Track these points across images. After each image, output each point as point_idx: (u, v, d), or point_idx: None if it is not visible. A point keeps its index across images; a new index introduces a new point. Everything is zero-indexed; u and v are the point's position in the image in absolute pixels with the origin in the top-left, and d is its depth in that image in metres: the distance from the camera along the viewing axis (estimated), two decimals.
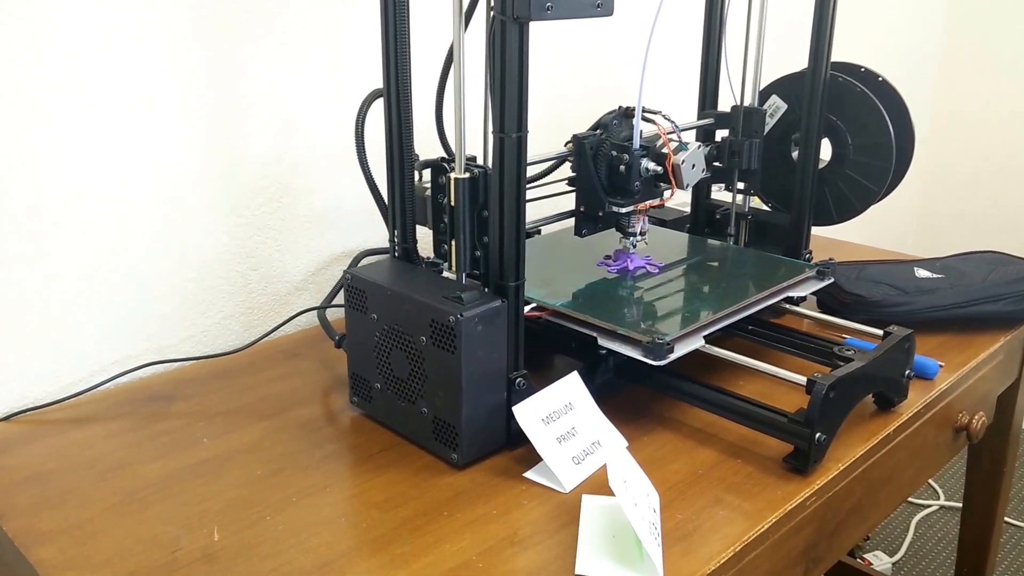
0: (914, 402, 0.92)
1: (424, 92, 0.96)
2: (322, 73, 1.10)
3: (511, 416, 0.80)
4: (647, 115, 0.95)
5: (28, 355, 0.93)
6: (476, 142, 0.86)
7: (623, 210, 0.97)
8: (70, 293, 0.95)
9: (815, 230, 1.16)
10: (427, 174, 0.87)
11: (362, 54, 1.13)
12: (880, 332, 0.92)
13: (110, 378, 0.97)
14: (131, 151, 0.96)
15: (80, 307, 0.96)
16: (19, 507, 0.75)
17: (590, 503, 0.75)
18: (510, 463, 0.81)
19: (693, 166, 0.97)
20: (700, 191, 1.21)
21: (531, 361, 0.83)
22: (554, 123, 1.36)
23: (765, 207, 1.22)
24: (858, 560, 1.73)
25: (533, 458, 0.80)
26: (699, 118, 1.17)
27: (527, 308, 0.86)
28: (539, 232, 1.13)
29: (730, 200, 1.17)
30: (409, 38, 0.83)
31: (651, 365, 0.83)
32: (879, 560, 1.76)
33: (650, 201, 0.98)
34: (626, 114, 0.97)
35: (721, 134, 1.15)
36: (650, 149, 0.95)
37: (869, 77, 1.12)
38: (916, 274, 1.15)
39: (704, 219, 1.22)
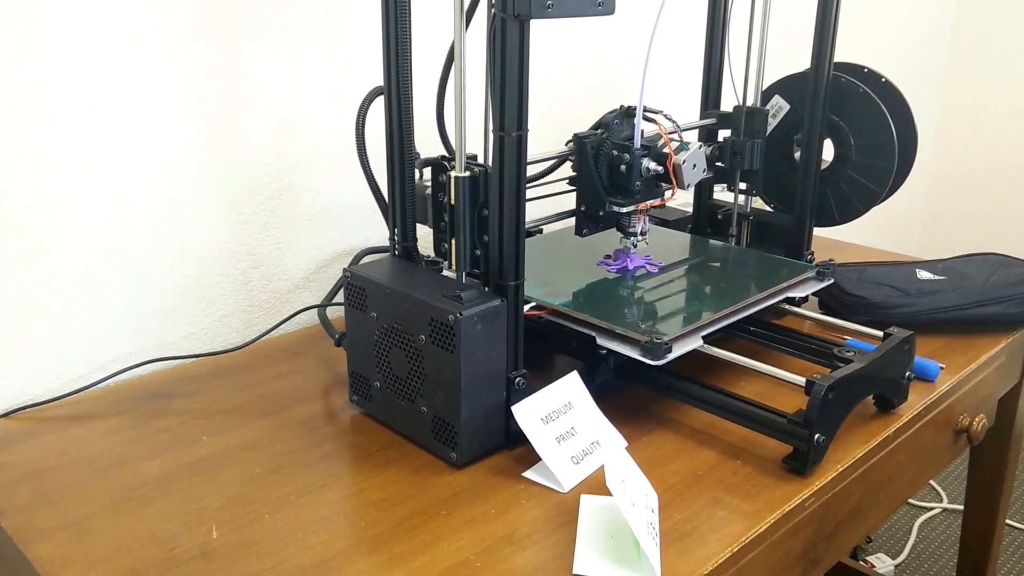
0: (914, 404, 0.92)
1: (425, 90, 0.96)
2: (322, 71, 1.10)
3: (510, 415, 0.80)
4: (648, 114, 0.95)
5: (28, 352, 0.93)
6: (477, 140, 0.86)
7: (624, 210, 0.97)
8: (70, 290, 0.95)
9: (817, 231, 1.16)
10: (427, 172, 0.87)
11: (362, 52, 1.13)
12: (881, 333, 0.92)
13: (110, 375, 0.97)
14: (131, 150, 0.96)
15: (80, 304, 0.96)
16: (18, 504, 0.75)
17: (589, 503, 0.75)
18: (509, 462, 0.81)
19: (694, 166, 0.97)
20: (702, 191, 1.21)
21: (531, 361, 0.83)
22: (555, 122, 1.36)
23: (767, 208, 1.21)
24: (860, 562, 1.73)
25: (532, 458, 0.79)
26: (701, 118, 1.17)
27: (527, 307, 0.86)
28: (541, 231, 1.13)
29: (732, 200, 1.17)
30: (410, 36, 0.83)
31: (651, 365, 0.83)
32: (882, 562, 1.76)
33: (651, 201, 0.98)
34: (627, 113, 0.97)
35: (723, 134, 1.14)
36: (651, 149, 0.95)
37: (872, 78, 1.12)
38: (918, 276, 1.15)
39: (706, 219, 1.22)
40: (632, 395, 0.93)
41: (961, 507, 1.55)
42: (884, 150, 1.09)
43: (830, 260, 1.05)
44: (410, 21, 0.83)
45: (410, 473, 0.80)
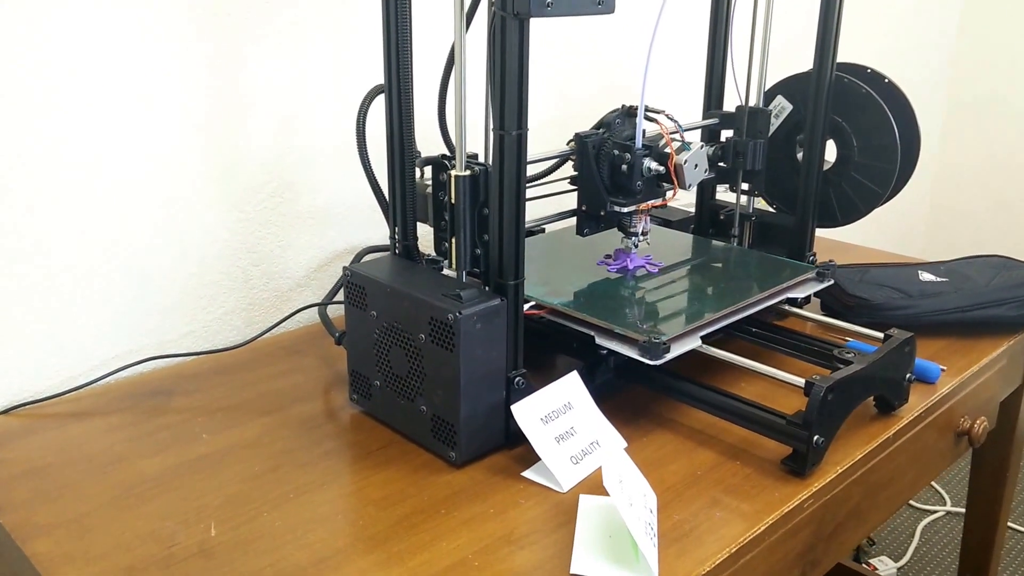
0: (915, 406, 0.92)
1: (425, 89, 0.96)
2: (323, 70, 1.10)
3: (510, 415, 0.80)
4: (650, 114, 0.95)
5: (28, 349, 0.93)
6: (478, 139, 0.86)
7: (625, 210, 0.96)
8: (71, 288, 0.95)
9: (820, 232, 1.16)
10: (428, 171, 0.86)
11: (363, 50, 1.13)
12: (881, 335, 0.91)
13: (110, 372, 0.97)
14: (132, 149, 0.96)
15: (81, 302, 0.96)
16: (17, 500, 0.75)
17: (587, 503, 0.75)
18: (508, 462, 0.81)
19: (696, 166, 0.96)
20: (704, 192, 1.21)
21: (531, 360, 0.83)
22: (557, 122, 1.36)
23: (769, 208, 1.21)
24: (863, 565, 1.73)
25: (531, 457, 0.79)
26: (704, 118, 1.17)
27: (526, 306, 0.86)
28: (543, 231, 1.13)
29: (734, 201, 1.17)
30: (411, 34, 0.83)
31: (650, 365, 0.83)
32: (884, 565, 1.75)
33: (652, 201, 0.98)
34: (629, 113, 0.97)
35: (726, 134, 1.14)
36: (653, 149, 0.95)
37: (875, 78, 1.11)
38: (920, 277, 1.15)
39: (708, 220, 1.22)
40: (632, 395, 0.93)
41: (964, 510, 1.55)
42: (887, 151, 1.09)
43: (830, 261, 1.04)
44: (411, 20, 0.83)
45: (409, 472, 0.80)
